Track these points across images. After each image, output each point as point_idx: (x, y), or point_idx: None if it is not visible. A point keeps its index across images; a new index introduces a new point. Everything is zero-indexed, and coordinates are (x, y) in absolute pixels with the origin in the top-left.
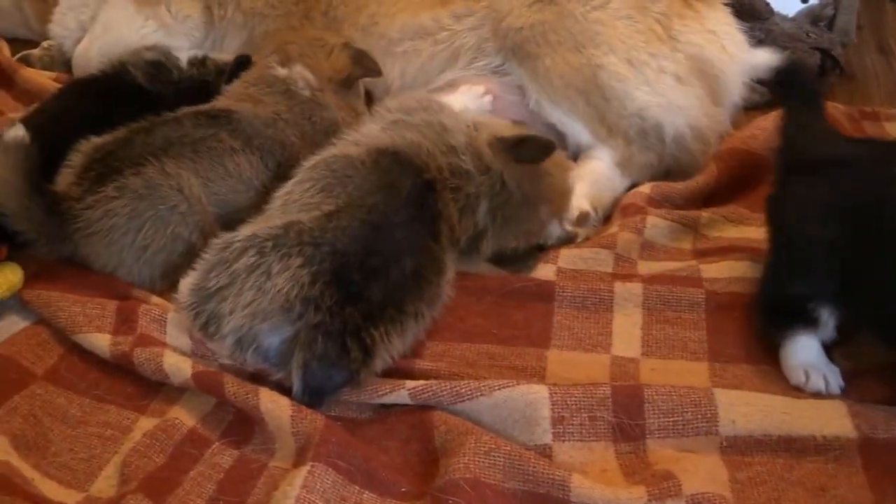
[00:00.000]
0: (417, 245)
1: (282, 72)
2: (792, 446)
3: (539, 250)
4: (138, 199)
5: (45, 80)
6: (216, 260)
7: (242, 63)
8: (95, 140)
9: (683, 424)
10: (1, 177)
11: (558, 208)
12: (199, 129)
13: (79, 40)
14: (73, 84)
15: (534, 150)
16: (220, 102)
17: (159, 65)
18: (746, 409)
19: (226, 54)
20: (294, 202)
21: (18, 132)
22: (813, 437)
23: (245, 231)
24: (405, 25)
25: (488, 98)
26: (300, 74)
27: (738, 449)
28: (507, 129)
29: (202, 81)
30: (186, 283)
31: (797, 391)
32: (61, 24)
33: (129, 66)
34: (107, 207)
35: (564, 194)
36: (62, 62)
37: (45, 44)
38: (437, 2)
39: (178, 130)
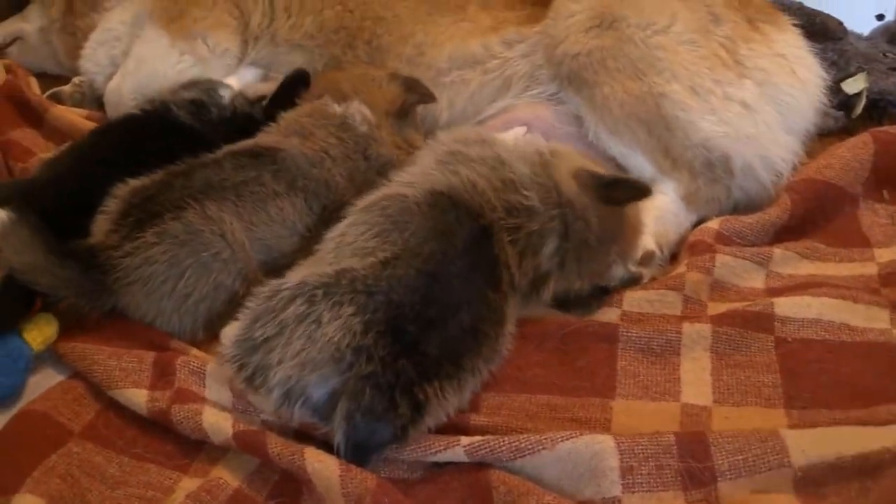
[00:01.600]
0: (475, 296)
1: (338, 108)
2: (867, 464)
3: (602, 293)
4: (179, 246)
5: (76, 118)
6: (262, 309)
7: (301, 78)
8: (133, 183)
9: (754, 460)
10: (22, 263)
11: (628, 246)
12: (240, 172)
13: (110, 76)
14: (110, 123)
15: (628, 194)
16: (266, 137)
17: (200, 103)
18: (814, 435)
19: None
20: (348, 245)
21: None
22: (887, 449)
23: (293, 278)
24: (453, 54)
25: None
26: (357, 110)
27: (812, 480)
28: (586, 162)
29: (245, 117)
30: (229, 334)
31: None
32: (92, 60)
33: (171, 104)
34: (146, 254)
35: (636, 232)
36: (94, 99)
37: (75, 80)
38: (486, 28)
39: (219, 174)
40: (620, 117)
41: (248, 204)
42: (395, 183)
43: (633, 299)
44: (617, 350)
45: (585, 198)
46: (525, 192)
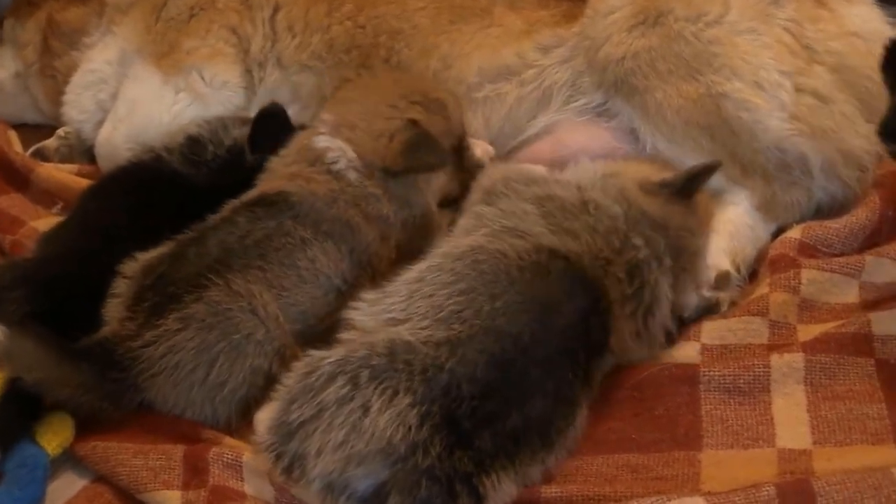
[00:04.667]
0: (554, 386)
1: (321, 143)
2: None
3: (679, 324)
4: (206, 330)
5: (66, 177)
6: (299, 388)
7: (274, 114)
8: (141, 258)
9: None
10: (34, 378)
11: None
12: (258, 226)
13: (99, 123)
14: (103, 182)
15: (700, 179)
16: (268, 184)
17: (195, 140)
18: None
19: None
20: (424, 298)
21: None
22: None
23: (336, 353)
24: (484, 66)
25: None
26: (340, 149)
27: None
28: (641, 169)
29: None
30: (264, 418)
31: None
32: (76, 106)
33: (164, 150)
34: (170, 343)
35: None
36: (83, 151)
37: (60, 132)
38: (518, 32)
39: (235, 232)
40: (678, 124)
41: (275, 266)
42: (489, 229)
43: (713, 330)
44: (699, 392)
45: (668, 207)
46: (635, 242)
